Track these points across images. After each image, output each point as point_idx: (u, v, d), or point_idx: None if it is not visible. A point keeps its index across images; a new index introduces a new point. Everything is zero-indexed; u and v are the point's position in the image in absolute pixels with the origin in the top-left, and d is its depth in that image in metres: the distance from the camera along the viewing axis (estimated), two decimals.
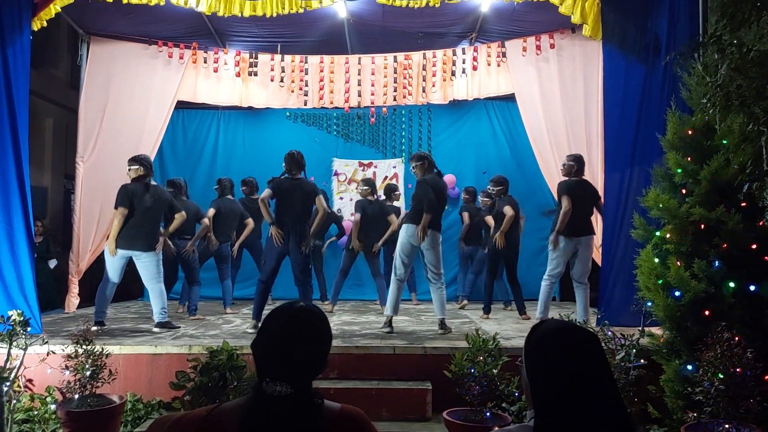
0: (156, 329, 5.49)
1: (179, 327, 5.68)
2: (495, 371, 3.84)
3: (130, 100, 7.32)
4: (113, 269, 5.51)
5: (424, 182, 5.49)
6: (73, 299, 7.00)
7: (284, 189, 5.52)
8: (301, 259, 5.52)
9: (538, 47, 7.11)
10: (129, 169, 5.61)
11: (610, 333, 3.92)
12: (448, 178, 8.99)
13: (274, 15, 5.85)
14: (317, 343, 1.57)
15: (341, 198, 9.24)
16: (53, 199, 10.66)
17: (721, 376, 3.34)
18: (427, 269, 5.59)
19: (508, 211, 6.58)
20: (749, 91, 3.88)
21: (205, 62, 7.83)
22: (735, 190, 4.11)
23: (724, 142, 4.22)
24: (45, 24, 5.60)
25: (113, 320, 6.13)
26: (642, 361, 3.78)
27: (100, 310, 5.60)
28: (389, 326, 5.49)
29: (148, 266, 5.53)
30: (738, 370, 3.29)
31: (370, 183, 7.31)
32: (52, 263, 8.25)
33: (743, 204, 4.10)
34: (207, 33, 7.44)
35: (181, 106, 8.19)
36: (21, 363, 4.01)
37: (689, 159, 4.30)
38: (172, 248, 6.34)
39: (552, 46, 7.01)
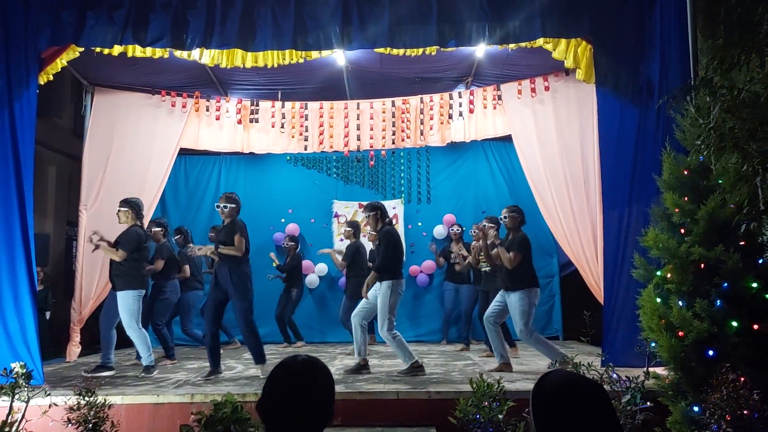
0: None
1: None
2: (501, 417, 3.81)
3: (134, 148, 7.43)
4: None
5: (389, 235, 5.62)
6: (74, 348, 6.93)
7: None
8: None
9: (533, 90, 7.23)
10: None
11: (615, 375, 3.90)
12: (448, 217, 9.06)
13: (275, 66, 5.99)
14: (324, 396, 1.59)
15: (341, 240, 9.26)
16: (55, 245, 10.70)
17: (729, 419, 3.32)
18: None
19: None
20: (742, 132, 3.96)
21: (208, 110, 7.99)
22: (733, 229, 4.15)
23: (720, 181, 4.28)
24: (51, 78, 5.73)
25: (116, 367, 6.08)
26: (648, 403, 3.74)
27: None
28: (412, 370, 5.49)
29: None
30: (745, 412, 3.27)
31: (354, 225, 7.60)
32: (47, 314, 8.22)
33: (742, 243, 4.13)
34: (209, 82, 7.62)
35: (183, 152, 8.28)
36: (23, 416, 3.98)
37: (686, 199, 4.34)
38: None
39: (547, 88, 7.13)
